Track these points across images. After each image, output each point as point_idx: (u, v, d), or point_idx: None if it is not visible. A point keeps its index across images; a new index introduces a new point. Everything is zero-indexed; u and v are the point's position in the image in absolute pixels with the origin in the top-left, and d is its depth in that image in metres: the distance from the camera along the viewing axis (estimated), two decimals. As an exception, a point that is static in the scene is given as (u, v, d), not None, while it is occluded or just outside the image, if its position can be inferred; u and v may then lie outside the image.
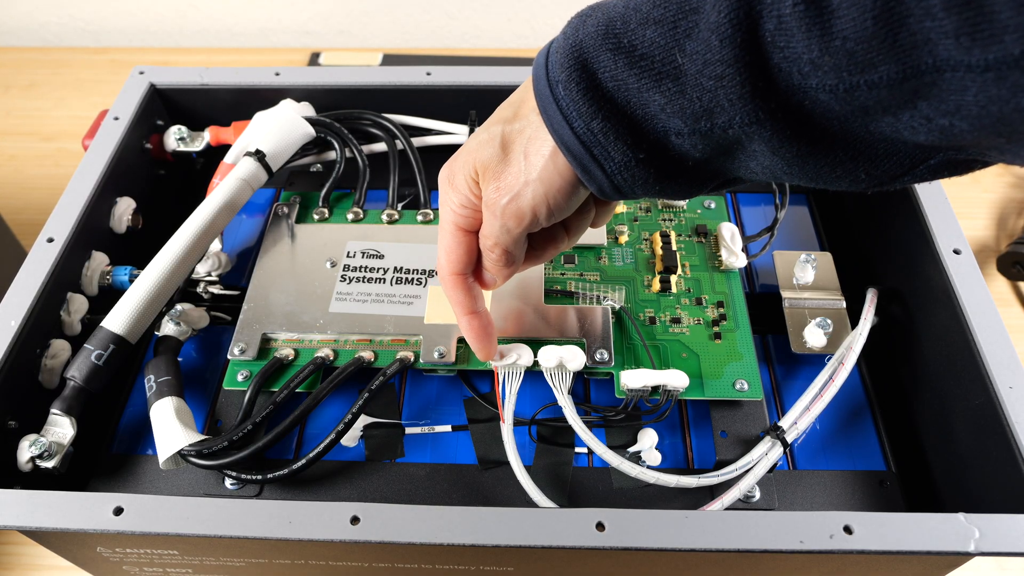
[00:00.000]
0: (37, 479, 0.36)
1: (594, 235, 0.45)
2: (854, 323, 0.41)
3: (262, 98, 0.50)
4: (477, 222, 0.32)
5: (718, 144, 0.24)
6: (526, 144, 0.29)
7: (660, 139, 0.25)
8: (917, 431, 0.41)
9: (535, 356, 0.38)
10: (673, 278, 0.43)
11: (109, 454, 0.40)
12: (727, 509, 0.35)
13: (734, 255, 0.44)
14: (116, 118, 0.48)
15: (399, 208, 0.47)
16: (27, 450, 0.35)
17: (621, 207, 0.48)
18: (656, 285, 0.43)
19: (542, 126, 0.28)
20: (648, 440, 0.39)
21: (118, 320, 0.38)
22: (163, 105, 0.52)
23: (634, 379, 0.37)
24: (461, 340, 0.40)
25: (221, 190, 0.44)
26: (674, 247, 0.44)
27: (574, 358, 0.38)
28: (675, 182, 0.27)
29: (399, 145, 0.50)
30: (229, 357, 0.40)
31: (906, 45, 0.19)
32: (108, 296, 0.42)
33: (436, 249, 0.44)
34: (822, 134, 0.23)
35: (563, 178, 0.28)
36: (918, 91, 0.19)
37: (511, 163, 0.29)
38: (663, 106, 0.24)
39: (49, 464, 0.36)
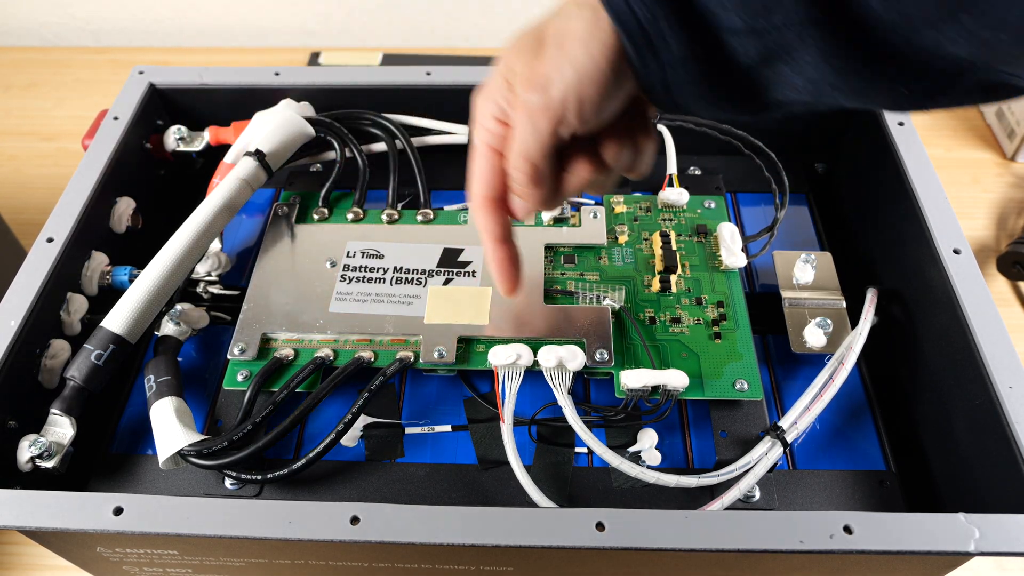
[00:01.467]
0: (37, 479, 0.36)
1: (594, 235, 0.45)
2: (854, 323, 0.41)
3: (262, 98, 0.50)
4: (508, 140, 0.31)
5: (768, 48, 0.25)
6: (560, 33, 0.28)
7: (715, 36, 0.25)
8: (917, 431, 0.41)
9: (535, 356, 0.38)
10: (673, 278, 0.43)
11: (109, 454, 0.40)
12: (727, 509, 0.35)
13: (734, 255, 0.44)
14: (116, 118, 0.48)
15: (399, 208, 0.47)
16: (27, 450, 0.35)
17: (621, 207, 0.48)
18: (656, 285, 0.43)
19: (579, 15, 0.27)
20: (648, 440, 0.39)
21: (118, 320, 0.38)
22: (163, 105, 0.52)
23: (634, 379, 0.37)
24: (461, 340, 0.40)
25: (221, 190, 0.44)
26: (674, 247, 0.44)
27: (574, 358, 0.38)
28: (720, 88, 0.27)
29: (399, 145, 0.50)
30: (229, 357, 0.40)
31: None
32: (108, 296, 0.42)
33: (436, 249, 0.45)
34: (869, 43, 0.23)
35: (596, 65, 0.27)
36: (962, 3, 0.20)
37: (544, 54, 0.28)
38: (724, 1, 0.24)
39: (49, 464, 0.36)
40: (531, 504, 0.35)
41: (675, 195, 0.47)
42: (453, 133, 0.51)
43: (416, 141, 0.50)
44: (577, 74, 0.27)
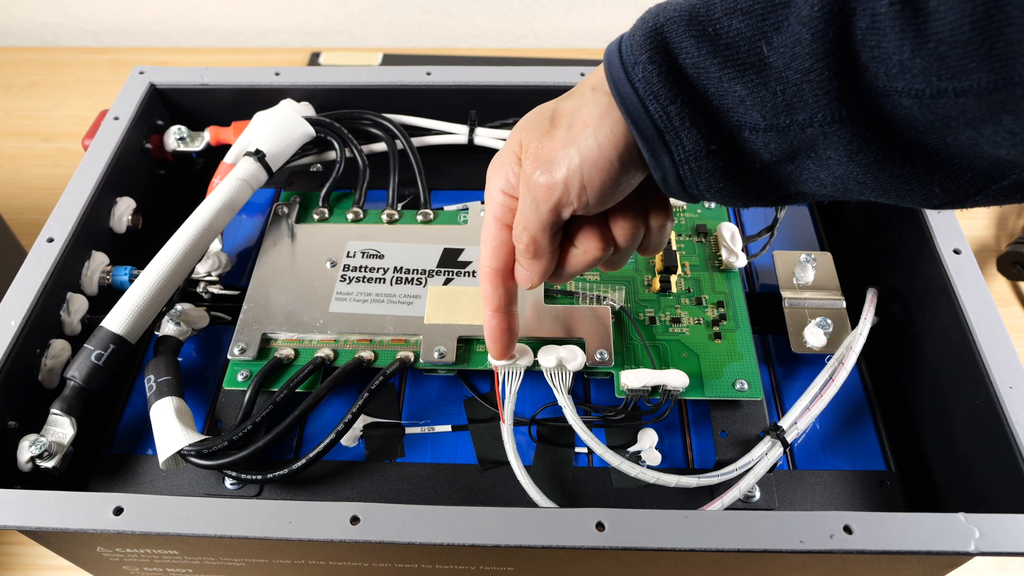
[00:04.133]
0: (37, 479, 0.36)
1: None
2: (854, 323, 0.41)
3: (262, 98, 0.50)
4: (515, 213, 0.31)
5: (791, 145, 0.24)
6: (572, 116, 0.28)
7: (733, 133, 0.25)
8: (917, 431, 0.41)
9: (535, 356, 0.38)
10: (673, 278, 0.43)
11: (109, 454, 0.40)
12: (727, 509, 0.35)
13: (734, 255, 0.44)
14: (116, 118, 0.48)
15: (399, 208, 0.47)
16: (27, 450, 0.35)
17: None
18: (656, 285, 0.43)
19: (593, 101, 0.27)
20: (648, 440, 0.39)
21: (118, 320, 0.38)
22: (163, 105, 0.52)
23: (634, 379, 0.37)
24: (461, 340, 0.40)
25: (221, 190, 0.44)
26: (674, 247, 0.44)
27: (574, 358, 0.38)
28: (738, 183, 0.26)
29: (399, 145, 0.50)
30: (229, 357, 0.40)
31: (1003, 55, 0.18)
32: (108, 296, 0.42)
33: (436, 249, 0.45)
34: (900, 142, 0.22)
35: (604, 154, 0.27)
36: (1007, 104, 0.19)
37: (554, 134, 0.28)
38: (743, 98, 0.24)
39: (49, 464, 0.36)
40: (531, 504, 0.35)
41: (675, 195, 0.47)
42: (453, 133, 0.51)
43: (416, 141, 0.50)
44: (583, 160, 0.27)
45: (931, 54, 0.19)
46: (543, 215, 0.29)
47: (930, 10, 0.19)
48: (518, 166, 0.30)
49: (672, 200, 0.30)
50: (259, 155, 0.45)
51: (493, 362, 0.38)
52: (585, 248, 0.31)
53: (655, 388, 0.38)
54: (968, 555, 0.30)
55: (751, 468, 0.36)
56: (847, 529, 0.30)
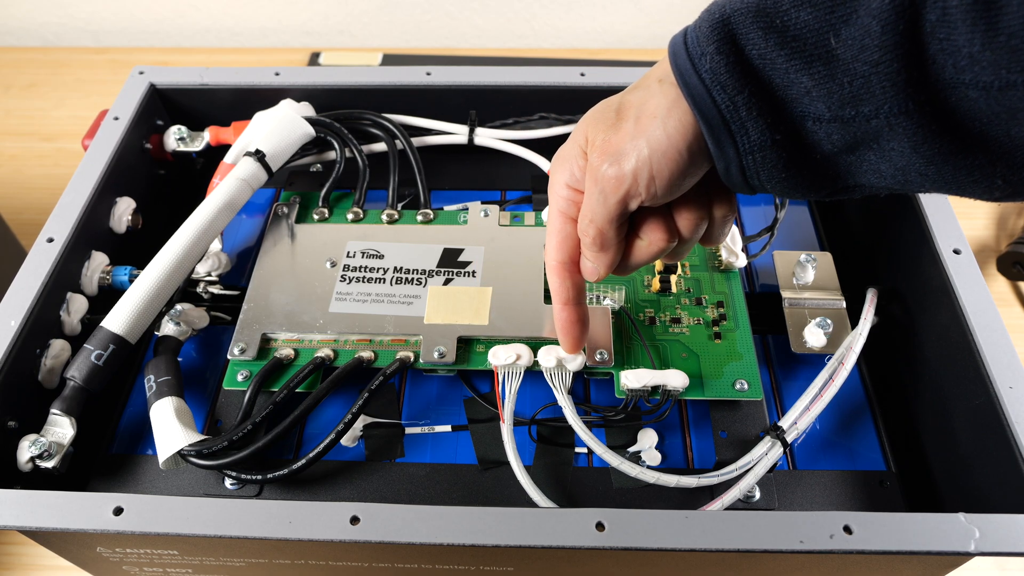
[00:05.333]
0: (37, 479, 0.36)
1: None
2: (854, 323, 0.41)
3: (262, 98, 0.50)
4: (580, 207, 0.31)
5: (854, 136, 0.24)
6: (639, 108, 0.28)
7: (796, 123, 0.25)
8: (917, 431, 0.41)
9: (535, 356, 0.38)
10: (673, 278, 0.43)
11: (109, 454, 0.40)
12: (727, 509, 0.35)
13: (734, 255, 0.44)
14: (116, 118, 0.48)
15: (399, 208, 0.47)
16: (27, 450, 0.35)
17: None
18: (656, 285, 0.43)
19: (660, 92, 0.27)
20: (648, 440, 0.39)
21: (118, 320, 0.38)
22: (163, 105, 0.52)
23: (634, 379, 0.37)
24: (461, 340, 0.40)
25: (221, 190, 0.44)
26: (674, 247, 0.44)
27: (574, 358, 0.38)
28: (799, 174, 0.27)
29: (399, 145, 0.50)
30: (229, 357, 0.40)
31: None
32: (108, 296, 0.42)
33: (436, 249, 0.45)
34: (964, 134, 0.23)
35: (672, 144, 0.27)
36: None
37: (621, 127, 0.29)
38: (809, 89, 0.24)
39: (49, 464, 0.36)
40: (531, 504, 0.35)
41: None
42: (453, 133, 0.51)
43: (416, 141, 0.50)
44: (651, 151, 0.28)
45: (1002, 47, 0.20)
46: (611, 207, 0.29)
47: (1002, 4, 0.19)
48: (583, 160, 0.30)
49: None
50: (259, 155, 0.45)
51: (493, 362, 0.38)
52: (651, 239, 0.32)
53: (655, 388, 0.38)
54: (968, 555, 0.30)
55: (751, 468, 0.36)
56: (847, 529, 0.30)
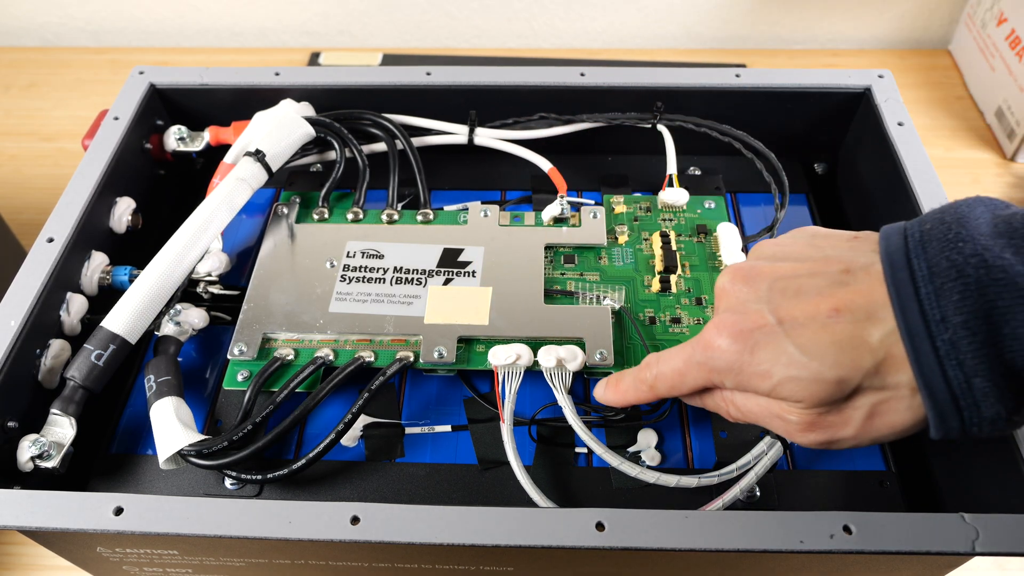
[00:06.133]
0: (37, 479, 0.36)
1: (594, 235, 0.45)
2: (854, 323, 0.41)
3: (262, 98, 0.50)
4: (714, 383, 0.31)
5: None
6: (875, 405, 0.26)
7: None
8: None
9: (535, 356, 0.38)
10: (673, 278, 0.43)
11: (109, 454, 0.40)
12: (727, 509, 0.35)
13: (734, 255, 0.44)
14: (116, 118, 0.48)
15: (399, 208, 0.47)
16: (27, 450, 0.35)
17: (621, 207, 0.48)
18: (656, 285, 0.43)
19: (908, 407, 0.25)
20: (648, 440, 0.39)
21: (118, 320, 0.38)
22: (163, 105, 0.52)
23: (634, 379, 0.37)
24: (461, 340, 0.40)
25: (221, 190, 0.44)
26: (674, 247, 0.44)
27: (574, 358, 0.38)
28: (1018, 425, 0.25)
29: (399, 145, 0.50)
30: (229, 357, 0.40)
31: None
32: (108, 296, 0.42)
33: (436, 249, 0.44)
34: None
35: (884, 437, 0.27)
36: None
37: (843, 412, 0.27)
38: None
39: (49, 464, 0.36)
40: (531, 504, 0.35)
41: (675, 195, 0.47)
42: (453, 133, 0.51)
43: (416, 141, 0.50)
44: (868, 441, 0.28)
45: None
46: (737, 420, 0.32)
47: None
48: (793, 415, 0.28)
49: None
50: (259, 155, 0.45)
51: (493, 362, 0.38)
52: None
53: (655, 388, 0.38)
54: (968, 555, 0.30)
55: (751, 468, 0.36)
56: (847, 529, 0.30)
